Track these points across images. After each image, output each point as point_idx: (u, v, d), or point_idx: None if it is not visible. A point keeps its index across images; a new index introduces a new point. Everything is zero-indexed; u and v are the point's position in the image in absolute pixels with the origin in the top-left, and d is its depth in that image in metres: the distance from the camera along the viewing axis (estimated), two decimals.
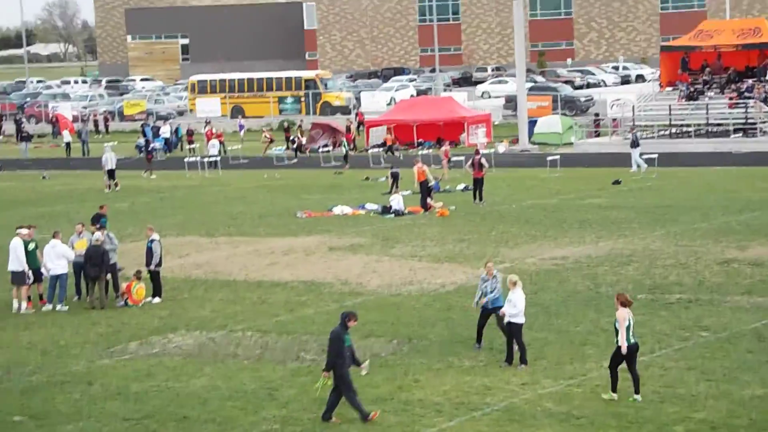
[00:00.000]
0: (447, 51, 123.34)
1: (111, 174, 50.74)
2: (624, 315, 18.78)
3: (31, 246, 27.11)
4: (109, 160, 50.81)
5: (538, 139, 63.88)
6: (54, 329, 24.77)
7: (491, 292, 21.53)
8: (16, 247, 26.80)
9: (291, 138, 69.16)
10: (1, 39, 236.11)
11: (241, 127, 74.73)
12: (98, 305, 26.70)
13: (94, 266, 26.81)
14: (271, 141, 66.86)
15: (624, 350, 18.77)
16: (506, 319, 20.88)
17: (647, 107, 63.40)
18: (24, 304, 26.68)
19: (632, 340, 18.86)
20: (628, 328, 18.76)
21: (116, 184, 50.43)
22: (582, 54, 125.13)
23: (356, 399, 17.95)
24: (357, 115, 76.04)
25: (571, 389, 19.34)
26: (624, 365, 18.85)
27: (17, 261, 26.67)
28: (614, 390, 18.92)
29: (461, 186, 46.75)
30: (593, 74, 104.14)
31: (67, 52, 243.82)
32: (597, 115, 68.99)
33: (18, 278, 26.72)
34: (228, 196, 47.80)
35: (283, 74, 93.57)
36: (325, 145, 65.58)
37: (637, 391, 18.83)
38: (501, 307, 21.19)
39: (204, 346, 23.06)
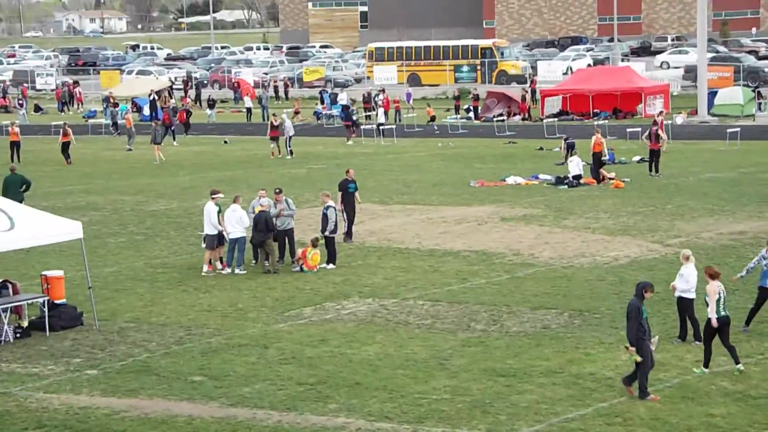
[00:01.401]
0: (626, 20, 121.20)
1: (283, 140, 51.44)
2: (714, 288, 18.85)
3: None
4: (288, 128, 51.67)
5: (718, 110, 62.43)
6: (233, 293, 25.48)
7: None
8: (210, 210, 27.64)
9: (466, 107, 69.28)
10: (189, 6, 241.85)
11: (409, 95, 75.00)
12: (271, 270, 27.34)
13: (259, 232, 27.46)
14: (297, 113, 67.11)
15: (714, 323, 18.75)
16: (676, 294, 20.63)
17: None
18: (205, 267, 27.53)
19: (722, 313, 18.83)
20: (718, 301, 18.77)
21: (291, 152, 51.22)
22: None
23: (647, 374, 17.72)
24: (531, 83, 75.57)
25: (748, 368, 18.99)
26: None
27: (211, 224, 27.52)
28: (706, 366, 18.84)
29: (637, 158, 46.10)
30: None
31: (251, 18, 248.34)
32: None
33: (211, 241, 27.59)
34: (402, 164, 48.18)
35: (460, 42, 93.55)
36: (500, 114, 65.41)
37: (737, 362, 18.81)
38: None
39: (376, 313, 23.41)
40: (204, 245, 28.09)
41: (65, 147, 51.14)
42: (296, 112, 67.42)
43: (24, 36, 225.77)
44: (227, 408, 17.62)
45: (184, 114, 63.08)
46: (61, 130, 52.05)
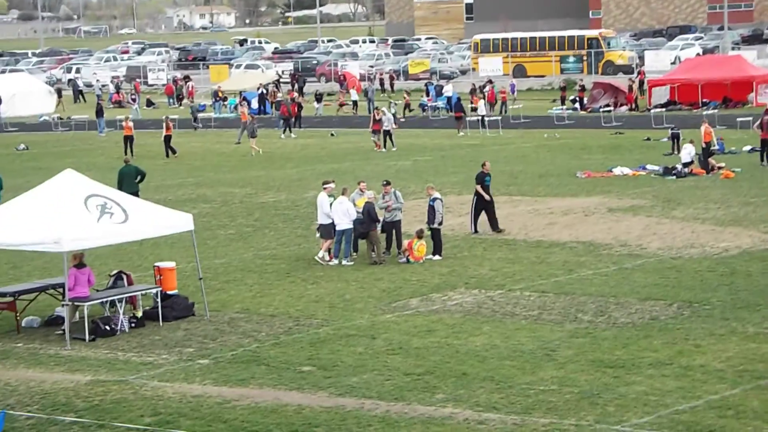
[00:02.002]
0: (737, 8, 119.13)
1: (387, 134, 51.57)
2: None
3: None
4: (387, 122, 51.67)
5: None
6: (340, 284, 25.72)
7: None
8: (323, 201, 27.95)
9: (572, 98, 68.81)
10: (296, 0, 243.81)
11: (513, 87, 74.77)
12: (377, 261, 27.53)
13: (362, 223, 27.67)
14: (407, 105, 66.93)
15: None
16: None
17: None
18: (323, 254, 27.82)
19: None
20: None
21: (392, 144, 51.30)
22: None
23: None
24: (639, 73, 74.72)
25: None
26: None
27: (324, 214, 27.85)
28: None
29: (747, 147, 45.37)
30: None
31: (357, 12, 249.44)
32: None
33: (325, 230, 27.91)
34: (508, 155, 48.07)
35: (566, 33, 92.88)
36: (607, 105, 64.83)
37: None
38: None
39: (482, 304, 23.45)
40: (318, 235, 28.43)
41: (167, 140, 52.00)
42: (407, 105, 67.60)
43: (137, 32, 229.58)
44: (336, 398, 17.83)
45: (296, 107, 63.79)
46: (164, 124, 52.96)
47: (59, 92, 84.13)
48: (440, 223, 28.18)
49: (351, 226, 27.73)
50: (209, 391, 18.26)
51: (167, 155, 51.45)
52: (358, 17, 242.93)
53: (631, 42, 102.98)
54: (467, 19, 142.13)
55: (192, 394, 18.11)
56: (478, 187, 30.40)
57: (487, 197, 30.70)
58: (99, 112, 64.75)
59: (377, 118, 51.89)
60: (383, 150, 51.03)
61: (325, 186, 28.42)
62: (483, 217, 30.82)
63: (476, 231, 30.67)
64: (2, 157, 54.53)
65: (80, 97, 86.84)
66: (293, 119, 60.60)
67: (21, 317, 22.61)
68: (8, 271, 27.88)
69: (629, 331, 20.90)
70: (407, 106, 67.67)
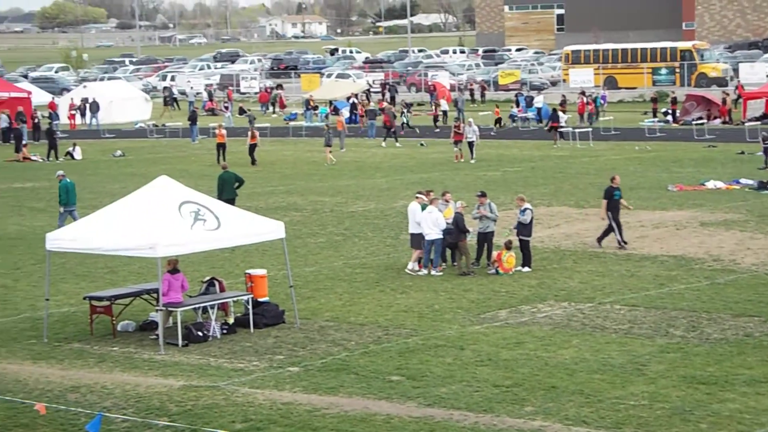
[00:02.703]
0: None
1: (470, 145, 51.37)
2: None
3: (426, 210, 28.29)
4: (472, 133, 51.43)
5: None
6: (429, 294, 25.77)
7: None
8: (414, 210, 28.06)
9: (664, 110, 68.19)
10: (387, 10, 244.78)
11: (604, 98, 74.22)
12: (466, 272, 27.54)
13: (451, 233, 27.70)
14: (498, 120, 66.35)
15: None
16: None
17: None
18: (411, 265, 27.90)
19: None
20: None
21: (471, 155, 51.03)
22: None
23: None
24: (737, 87, 73.63)
25: None
26: None
27: (415, 224, 27.95)
28: None
29: None
30: None
31: (447, 22, 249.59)
32: None
33: (415, 241, 28.01)
34: (598, 167, 47.75)
35: (658, 45, 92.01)
36: (699, 118, 64.10)
37: None
38: None
39: (572, 317, 23.34)
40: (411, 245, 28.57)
41: (252, 149, 52.49)
42: (498, 120, 67.38)
43: (231, 41, 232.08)
44: (424, 408, 17.87)
45: (389, 117, 64.16)
46: (249, 132, 53.46)
47: (166, 100, 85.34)
48: (528, 235, 28.02)
49: (440, 236, 27.78)
50: (299, 399, 18.42)
51: (253, 163, 51.96)
52: (448, 27, 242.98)
53: (725, 54, 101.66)
54: (558, 30, 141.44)
55: (282, 402, 18.29)
56: (605, 203, 30.07)
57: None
58: (192, 120, 65.63)
59: (459, 130, 51.65)
60: (461, 161, 50.78)
61: (417, 195, 28.51)
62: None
63: (625, 243, 30.24)
64: (100, 163, 55.53)
65: (174, 104, 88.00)
66: (393, 129, 60.92)
67: (117, 321, 23.02)
68: (105, 276, 28.39)
69: (722, 348, 20.67)
70: (498, 120, 67.46)
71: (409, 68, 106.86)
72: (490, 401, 18.07)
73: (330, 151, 52.68)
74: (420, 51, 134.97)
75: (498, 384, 18.92)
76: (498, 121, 67.34)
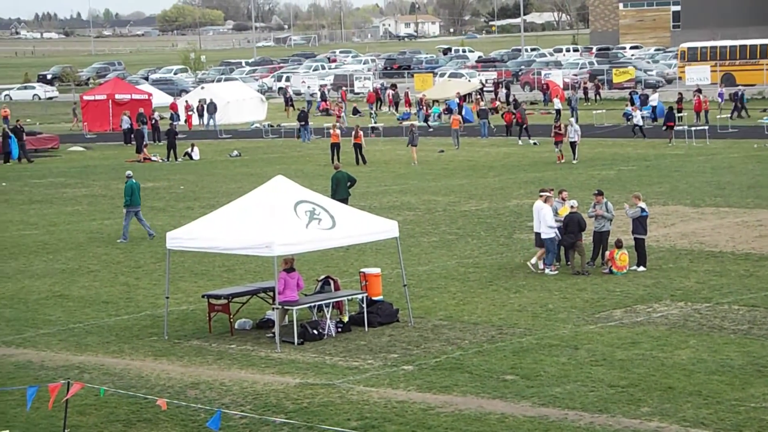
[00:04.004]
0: None
1: (573, 145, 50.83)
2: None
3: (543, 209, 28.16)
4: (574, 132, 50.88)
5: None
6: (543, 293, 25.70)
7: None
8: (539, 209, 27.97)
9: None
10: (500, 9, 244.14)
11: (721, 95, 72.93)
12: (581, 271, 27.40)
13: (570, 233, 27.53)
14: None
15: None
16: None
17: None
18: (535, 260, 27.87)
19: None
20: None
21: (573, 155, 50.50)
22: None
23: None
24: None
25: None
26: None
27: (539, 222, 27.87)
28: None
29: None
30: None
31: (560, 20, 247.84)
32: None
33: (539, 239, 27.95)
34: (715, 165, 47.04)
35: None
36: None
37: None
38: None
39: (689, 317, 23.07)
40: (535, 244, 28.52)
41: (357, 148, 52.80)
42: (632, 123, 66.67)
43: (344, 41, 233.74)
44: (539, 407, 17.85)
45: (510, 116, 64.23)
46: (353, 132, 53.78)
47: (287, 102, 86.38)
48: (642, 234, 27.75)
49: (554, 234, 27.67)
50: (413, 397, 18.53)
51: (357, 162, 52.27)
52: (562, 26, 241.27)
53: None
54: (674, 27, 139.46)
55: (397, 400, 18.42)
56: None
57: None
58: (303, 120, 66.26)
59: (559, 129, 51.06)
60: (562, 162, 50.21)
61: (541, 194, 28.43)
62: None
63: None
64: (217, 163, 56.42)
65: (290, 104, 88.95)
66: (525, 126, 60.77)
67: (234, 319, 23.41)
68: (222, 274, 28.88)
69: None
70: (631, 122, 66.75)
71: (522, 67, 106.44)
72: (605, 401, 17.97)
73: (416, 151, 52.84)
74: (533, 50, 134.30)
75: (613, 384, 18.80)
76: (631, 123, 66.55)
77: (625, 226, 30.23)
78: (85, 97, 79.70)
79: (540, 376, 19.42)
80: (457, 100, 75.02)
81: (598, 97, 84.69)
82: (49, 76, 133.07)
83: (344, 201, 32.11)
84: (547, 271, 27.68)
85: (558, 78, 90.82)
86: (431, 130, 68.20)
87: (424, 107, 75.62)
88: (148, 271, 29.72)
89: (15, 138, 59.77)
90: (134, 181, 34.06)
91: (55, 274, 29.79)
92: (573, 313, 23.78)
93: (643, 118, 66.85)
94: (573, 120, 53.34)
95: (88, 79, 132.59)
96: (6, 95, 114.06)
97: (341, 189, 35.60)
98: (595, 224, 28.14)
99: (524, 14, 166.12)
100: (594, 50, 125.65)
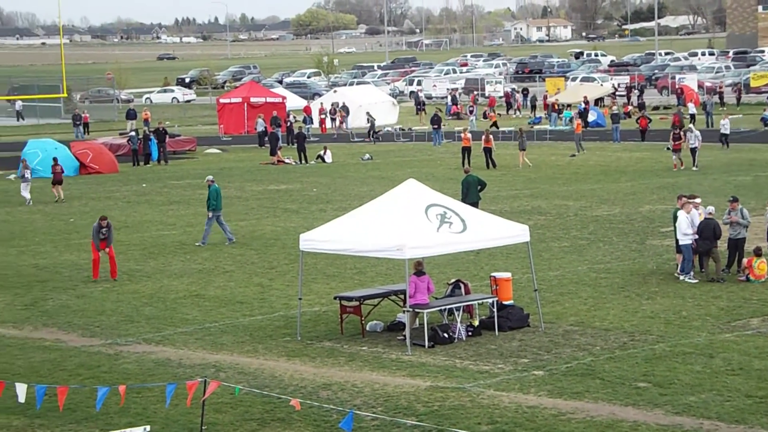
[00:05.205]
0: None
1: (693, 152, 49.79)
2: None
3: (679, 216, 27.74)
4: (694, 138, 49.82)
5: None
6: (676, 300, 25.36)
7: None
8: (681, 216, 27.53)
9: None
10: (633, 12, 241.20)
11: None
12: (716, 278, 26.94)
13: (705, 240, 27.08)
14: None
15: None
16: None
17: None
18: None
19: None
20: None
21: (693, 162, 49.48)
22: None
23: None
24: None
25: None
26: None
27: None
28: None
29: None
30: None
31: (696, 23, 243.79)
32: None
33: (678, 248, 27.59)
34: None
35: None
36: None
37: None
38: None
39: None
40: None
41: (487, 152, 52.68)
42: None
43: (476, 45, 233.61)
44: (672, 416, 17.63)
45: (646, 121, 63.63)
46: (483, 136, 53.65)
47: (418, 107, 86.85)
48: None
49: (689, 241, 27.28)
50: (544, 403, 18.47)
51: (487, 166, 52.19)
52: (697, 29, 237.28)
53: None
54: None
55: (527, 405, 18.38)
56: None
57: None
58: (437, 124, 66.44)
59: (678, 136, 49.92)
60: (681, 169, 49.17)
61: (682, 199, 28.00)
62: None
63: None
64: (349, 166, 56.92)
65: (421, 108, 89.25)
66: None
67: (365, 321, 23.62)
68: (353, 276, 29.15)
69: None
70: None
71: (656, 71, 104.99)
72: (742, 412, 17.66)
73: (524, 155, 52.53)
74: (667, 54, 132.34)
75: (750, 394, 18.46)
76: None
77: (762, 234, 29.65)
78: (221, 100, 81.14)
79: (673, 384, 19.18)
80: (583, 104, 74.39)
81: (737, 101, 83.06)
82: (187, 80, 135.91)
83: (475, 205, 32.08)
84: (683, 278, 27.28)
85: (693, 82, 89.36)
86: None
87: (555, 111, 75.17)
88: (282, 272, 30.15)
89: (155, 140, 61.19)
90: (216, 185, 34.60)
91: (192, 273, 30.44)
92: (708, 320, 23.43)
93: None
94: (693, 126, 52.45)
95: (225, 82, 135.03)
96: (147, 98, 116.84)
97: (472, 193, 35.63)
98: (730, 231, 27.66)
99: (658, 17, 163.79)
100: (731, 54, 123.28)
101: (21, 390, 16.80)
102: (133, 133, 63.60)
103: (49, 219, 41.31)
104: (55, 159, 48.47)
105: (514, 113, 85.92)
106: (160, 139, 61.19)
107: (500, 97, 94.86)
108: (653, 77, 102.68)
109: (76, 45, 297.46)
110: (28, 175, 46.21)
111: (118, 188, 50.16)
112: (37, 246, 35.47)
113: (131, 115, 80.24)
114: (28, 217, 41.84)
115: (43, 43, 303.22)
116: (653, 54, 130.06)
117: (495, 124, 72.66)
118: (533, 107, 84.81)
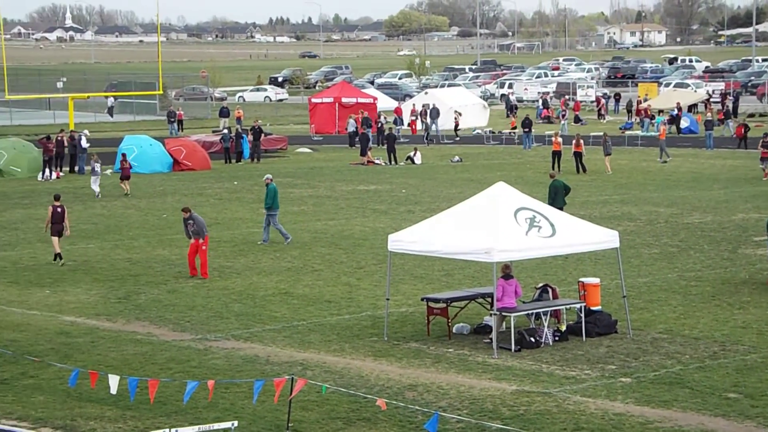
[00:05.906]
0: None
1: None
2: None
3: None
4: None
5: None
6: None
7: None
8: None
9: None
10: (730, 18, 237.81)
11: None
12: None
13: None
14: None
15: None
16: None
17: None
18: None
19: None
20: None
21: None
22: None
23: None
24: None
25: None
26: None
27: None
28: None
29: None
30: None
31: None
32: None
33: None
34: None
35: None
36: None
37: None
38: None
39: None
40: None
41: (577, 156, 52.36)
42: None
43: (568, 49, 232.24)
44: (764, 428, 17.37)
45: (742, 129, 62.84)
46: (574, 141, 53.29)
47: (509, 111, 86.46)
48: None
49: None
50: (631, 410, 18.34)
51: (577, 171, 51.89)
52: None
53: None
54: None
55: (614, 412, 18.26)
56: None
57: None
58: (528, 127, 66.20)
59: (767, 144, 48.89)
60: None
61: None
62: None
63: None
64: (438, 168, 56.95)
65: (513, 111, 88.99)
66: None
67: (452, 323, 23.65)
68: (441, 278, 29.19)
69: None
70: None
71: (752, 78, 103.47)
72: None
73: (609, 160, 52.05)
74: (764, 60, 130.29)
75: None
76: None
77: None
78: (313, 100, 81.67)
79: (766, 395, 18.91)
80: (676, 110, 73.57)
81: None
82: (279, 79, 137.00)
83: (560, 210, 31.93)
84: None
85: None
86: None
87: (648, 117, 74.42)
88: (370, 272, 30.30)
89: (251, 138, 61.74)
90: (274, 184, 34.74)
91: (281, 271, 30.71)
92: None
93: None
94: None
95: (317, 82, 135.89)
96: (240, 97, 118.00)
97: (559, 198, 35.41)
98: None
99: (757, 23, 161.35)
100: None
101: (114, 381, 17.15)
102: (225, 131, 64.29)
103: (142, 214, 41.97)
104: (123, 155, 49.20)
105: (602, 118, 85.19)
106: (256, 137, 61.75)
107: (591, 102, 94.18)
108: (749, 84, 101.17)
109: (172, 43, 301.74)
110: (98, 168, 46.94)
111: (210, 185, 50.75)
112: (131, 240, 36.07)
113: (224, 113, 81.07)
114: (123, 212, 42.54)
115: (141, 41, 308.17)
116: (749, 60, 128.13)
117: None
118: (629, 112, 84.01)
